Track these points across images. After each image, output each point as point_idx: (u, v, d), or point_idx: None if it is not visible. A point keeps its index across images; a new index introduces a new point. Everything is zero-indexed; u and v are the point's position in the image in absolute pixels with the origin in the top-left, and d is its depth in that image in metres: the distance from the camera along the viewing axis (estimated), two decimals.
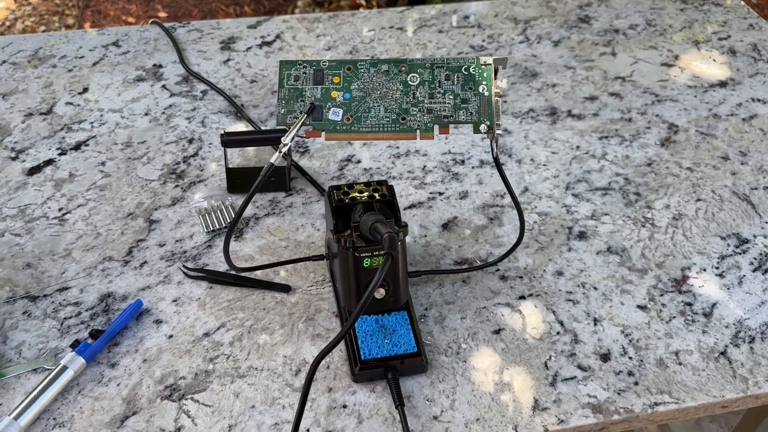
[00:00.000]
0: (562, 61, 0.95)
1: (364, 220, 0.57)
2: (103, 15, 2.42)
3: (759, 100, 0.89)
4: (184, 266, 0.66)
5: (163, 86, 0.89)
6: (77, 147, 0.79)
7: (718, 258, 0.69)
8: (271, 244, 0.69)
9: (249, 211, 0.72)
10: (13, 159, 0.77)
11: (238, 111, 0.85)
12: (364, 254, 0.58)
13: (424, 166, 0.78)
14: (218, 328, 0.61)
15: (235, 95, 0.88)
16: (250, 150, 0.79)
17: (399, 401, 0.55)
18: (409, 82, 0.51)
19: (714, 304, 0.65)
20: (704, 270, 0.68)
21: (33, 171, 0.76)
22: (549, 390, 0.58)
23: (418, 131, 0.50)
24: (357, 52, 0.96)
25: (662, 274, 0.67)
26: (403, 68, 0.51)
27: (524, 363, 0.60)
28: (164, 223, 0.71)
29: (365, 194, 0.61)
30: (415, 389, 0.57)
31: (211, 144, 0.81)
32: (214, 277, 0.65)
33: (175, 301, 0.64)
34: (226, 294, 0.64)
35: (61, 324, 0.61)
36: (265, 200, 0.74)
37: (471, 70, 0.51)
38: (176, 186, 0.75)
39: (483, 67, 0.51)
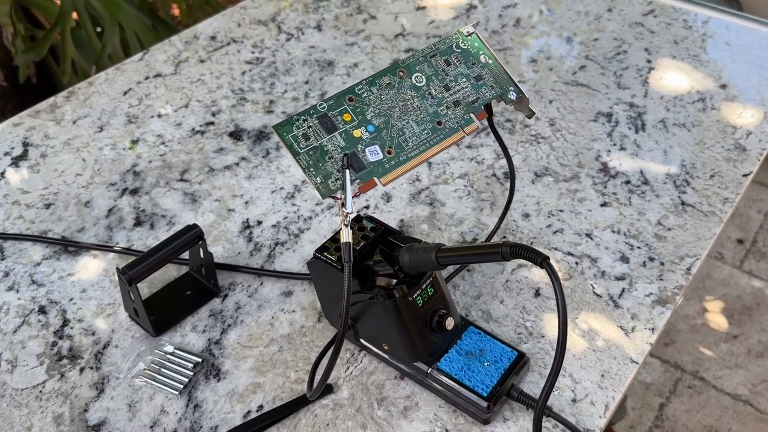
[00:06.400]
0: (341, 42, 0.92)
1: (407, 260, 0.49)
2: None
3: (508, 7, 0.98)
4: None
5: None
6: None
7: (607, 136, 0.76)
8: (262, 357, 0.55)
9: (200, 342, 0.56)
10: None
11: (69, 245, 0.64)
12: (416, 295, 0.50)
13: None
14: None
15: (43, 231, 0.66)
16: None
17: (547, 409, 0.50)
18: (417, 84, 0.43)
19: (641, 171, 0.72)
20: (609, 151, 0.74)
21: None
22: (619, 312, 0.58)
23: (460, 129, 0.44)
24: (136, 118, 0.79)
25: (589, 171, 0.72)
26: (401, 73, 0.43)
27: (581, 304, 0.59)
28: (113, 419, 0.51)
29: (358, 237, 0.52)
30: (534, 389, 0.53)
31: (71, 300, 0.60)
32: None
33: None
34: None
35: None
36: (204, 320, 0.58)
37: (462, 44, 0.46)
38: (82, 369, 0.54)
39: (469, 37, 0.46)
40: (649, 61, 0.87)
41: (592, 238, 0.65)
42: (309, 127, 0.40)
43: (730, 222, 1.80)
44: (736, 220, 1.81)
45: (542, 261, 0.40)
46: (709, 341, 1.53)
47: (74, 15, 1.61)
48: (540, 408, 0.41)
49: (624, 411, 1.36)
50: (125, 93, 0.83)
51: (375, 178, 0.41)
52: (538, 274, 0.61)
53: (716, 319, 1.58)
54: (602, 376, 0.54)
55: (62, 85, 1.73)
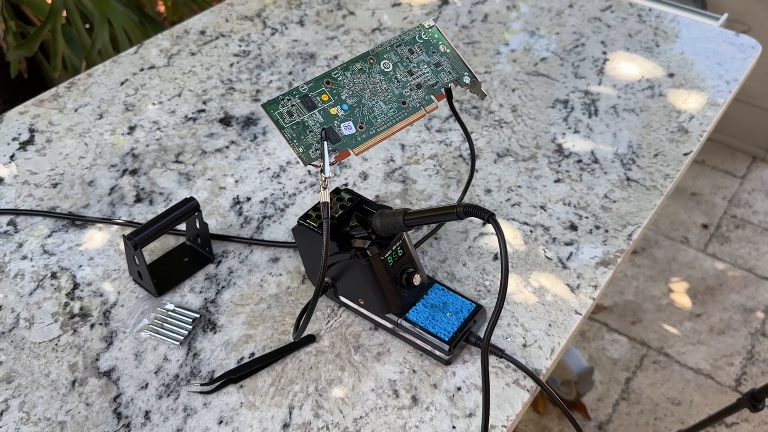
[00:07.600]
0: (322, 36, 0.99)
1: (379, 223, 0.56)
2: None
3: (477, 4, 1.06)
4: (200, 385, 0.56)
5: None
6: None
7: (563, 120, 0.84)
8: (253, 313, 0.62)
9: (198, 301, 0.63)
10: None
11: (76, 219, 0.71)
12: (387, 254, 0.57)
13: (309, 171, 0.77)
14: (290, 413, 0.55)
15: (52, 207, 0.72)
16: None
17: (500, 351, 0.58)
18: (385, 70, 0.51)
19: (592, 151, 0.80)
20: (564, 134, 0.82)
21: None
22: (567, 273, 0.66)
23: (422, 108, 0.51)
24: (133, 106, 0.86)
25: (545, 152, 0.80)
26: (371, 60, 0.51)
27: (534, 266, 0.67)
28: (122, 367, 0.58)
29: (337, 206, 0.60)
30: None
31: (80, 267, 0.66)
32: (237, 375, 0.57)
33: (221, 422, 0.54)
34: (262, 381, 0.57)
35: None
36: (201, 282, 0.65)
37: (424, 36, 0.53)
38: (92, 325, 0.61)
39: (430, 30, 0.54)
40: (604, 53, 0.95)
41: (545, 210, 0.73)
42: (292, 106, 0.48)
43: (695, 208, 1.89)
44: (702, 207, 1.91)
45: (488, 217, 0.48)
46: (674, 320, 1.63)
47: (64, 12, 1.67)
48: (489, 331, 0.49)
49: (592, 384, 1.44)
50: (122, 83, 0.90)
51: (349, 149, 0.48)
52: (496, 240, 0.69)
53: (681, 299, 1.68)
54: (549, 325, 0.61)
55: (53, 80, 1.79)
